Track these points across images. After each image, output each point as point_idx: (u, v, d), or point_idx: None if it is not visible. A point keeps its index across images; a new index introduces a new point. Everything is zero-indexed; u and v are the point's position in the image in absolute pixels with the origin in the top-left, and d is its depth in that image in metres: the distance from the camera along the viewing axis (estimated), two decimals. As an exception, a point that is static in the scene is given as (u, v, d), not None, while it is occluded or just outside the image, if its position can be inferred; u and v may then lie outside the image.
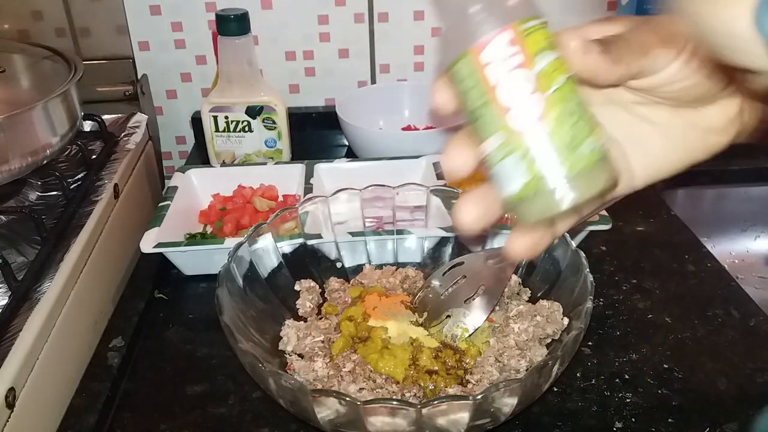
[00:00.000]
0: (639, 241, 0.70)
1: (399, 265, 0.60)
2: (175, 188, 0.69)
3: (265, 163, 0.76)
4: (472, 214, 0.32)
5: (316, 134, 0.95)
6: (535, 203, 0.30)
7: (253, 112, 0.77)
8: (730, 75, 0.32)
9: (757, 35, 0.21)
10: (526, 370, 0.46)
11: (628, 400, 0.50)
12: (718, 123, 0.34)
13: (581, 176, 0.30)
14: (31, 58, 0.75)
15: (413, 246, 0.60)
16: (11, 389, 0.42)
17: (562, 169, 0.30)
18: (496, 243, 0.58)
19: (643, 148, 0.35)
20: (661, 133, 0.34)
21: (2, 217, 0.61)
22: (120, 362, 0.53)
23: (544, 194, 0.30)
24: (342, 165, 0.75)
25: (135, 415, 0.50)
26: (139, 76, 0.91)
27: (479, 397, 0.39)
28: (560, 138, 0.30)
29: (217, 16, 0.74)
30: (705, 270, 0.65)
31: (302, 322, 0.54)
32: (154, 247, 0.60)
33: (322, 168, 0.74)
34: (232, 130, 0.78)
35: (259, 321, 0.52)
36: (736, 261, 0.89)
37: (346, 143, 0.91)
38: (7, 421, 0.42)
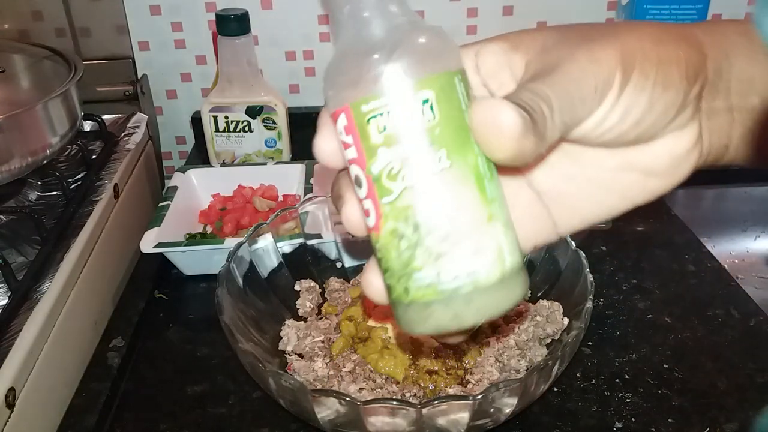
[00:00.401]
0: (639, 241, 0.70)
1: (399, 265, 0.60)
2: (175, 188, 0.69)
3: (265, 163, 0.76)
4: (380, 286, 0.28)
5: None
6: (399, 313, 0.25)
7: (253, 112, 0.77)
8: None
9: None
10: (526, 370, 0.46)
11: (628, 400, 0.50)
12: (660, 164, 0.27)
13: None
14: (31, 58, 0.75)
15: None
16: (11, 389, 0.42)
17: (402, 295, 0.24)
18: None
19: (565, 194, 0.28)
20: (589, 177, 0.28)
21: (2, 217, 0.61)
22: (120, 362, 0.53)
23: (401, 309, 0.24)
24: (342, 165, 0.75)
25: (135, 415, 0.50)
26: (139, 76, 0.91)
27: (479, 397, 0.39)
28: (396, 259, 0.23)
29: (217, 16, 0.74)
30: (705, 270, 0.65)
31: (302, 322, 0.54)
32: (154, 247, 0.60)
33: (322, 168, 0.74)
34: (232, 130, 0.78)
35: (259, 321, 0.52)
36: (736, 261, 0.89)
37: (346, 143, 0.91)
38: (7, 421, 0.42)
